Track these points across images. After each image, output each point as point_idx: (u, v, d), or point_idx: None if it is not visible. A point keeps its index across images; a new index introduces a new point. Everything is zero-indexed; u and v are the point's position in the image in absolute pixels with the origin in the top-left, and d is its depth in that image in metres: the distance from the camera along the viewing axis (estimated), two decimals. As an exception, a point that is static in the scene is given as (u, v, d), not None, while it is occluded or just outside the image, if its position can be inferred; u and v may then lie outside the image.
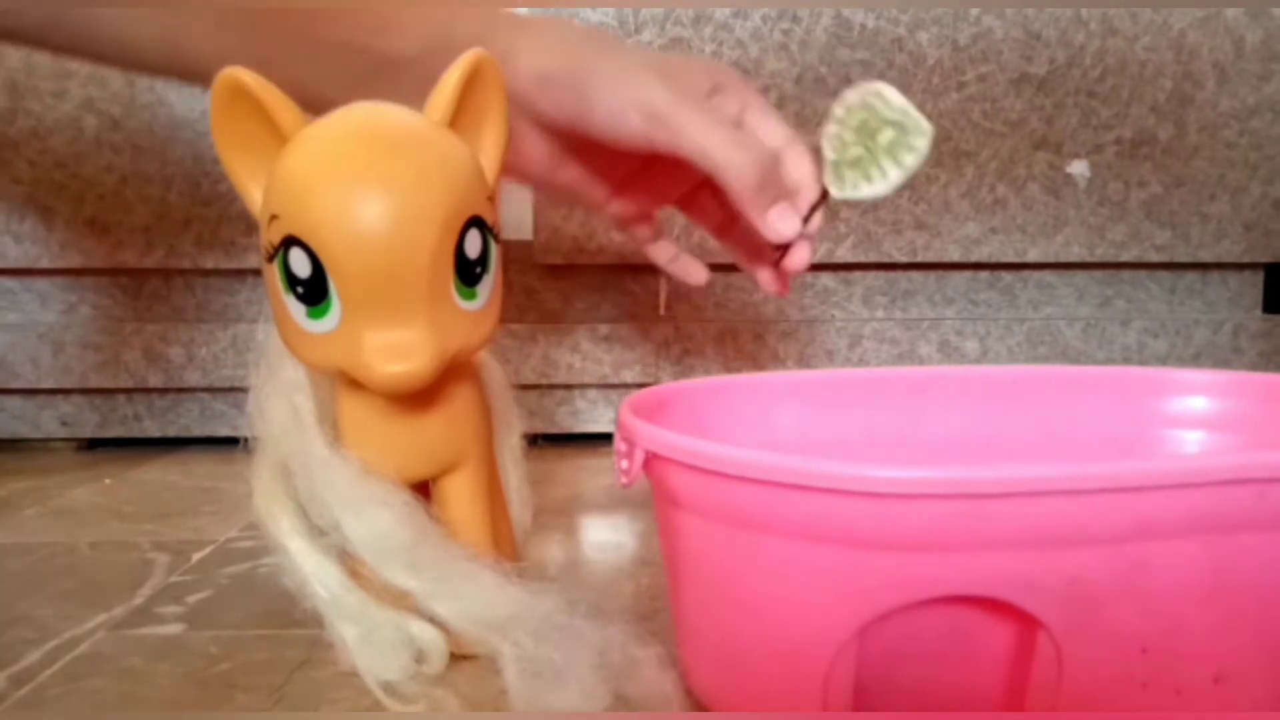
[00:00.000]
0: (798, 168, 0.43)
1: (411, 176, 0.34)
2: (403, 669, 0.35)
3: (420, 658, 0.35)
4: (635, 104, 0.41)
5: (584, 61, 0.42)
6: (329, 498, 0.35)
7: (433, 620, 0.35)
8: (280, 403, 0.37)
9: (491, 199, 0.38)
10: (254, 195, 0.36)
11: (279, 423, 0.37)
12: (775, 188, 0.41)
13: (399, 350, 0.34)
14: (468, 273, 0.36)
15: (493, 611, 0.34)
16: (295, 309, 0.35)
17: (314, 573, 0.35)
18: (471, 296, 0.36)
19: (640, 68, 0.41)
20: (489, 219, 0.37)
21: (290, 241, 0.34)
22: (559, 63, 0.42)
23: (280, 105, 0.35)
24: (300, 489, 0.36)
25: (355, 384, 0.36)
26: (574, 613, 0.34)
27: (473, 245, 0.36)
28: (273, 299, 0.36)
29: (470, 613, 0.34)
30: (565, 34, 0.44)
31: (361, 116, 0.36)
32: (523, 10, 0.69)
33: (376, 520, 0.35)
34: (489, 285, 0.37)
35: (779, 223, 0.41)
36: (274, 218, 0.35)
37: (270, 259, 0.35)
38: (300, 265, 0.34)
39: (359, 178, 0.33)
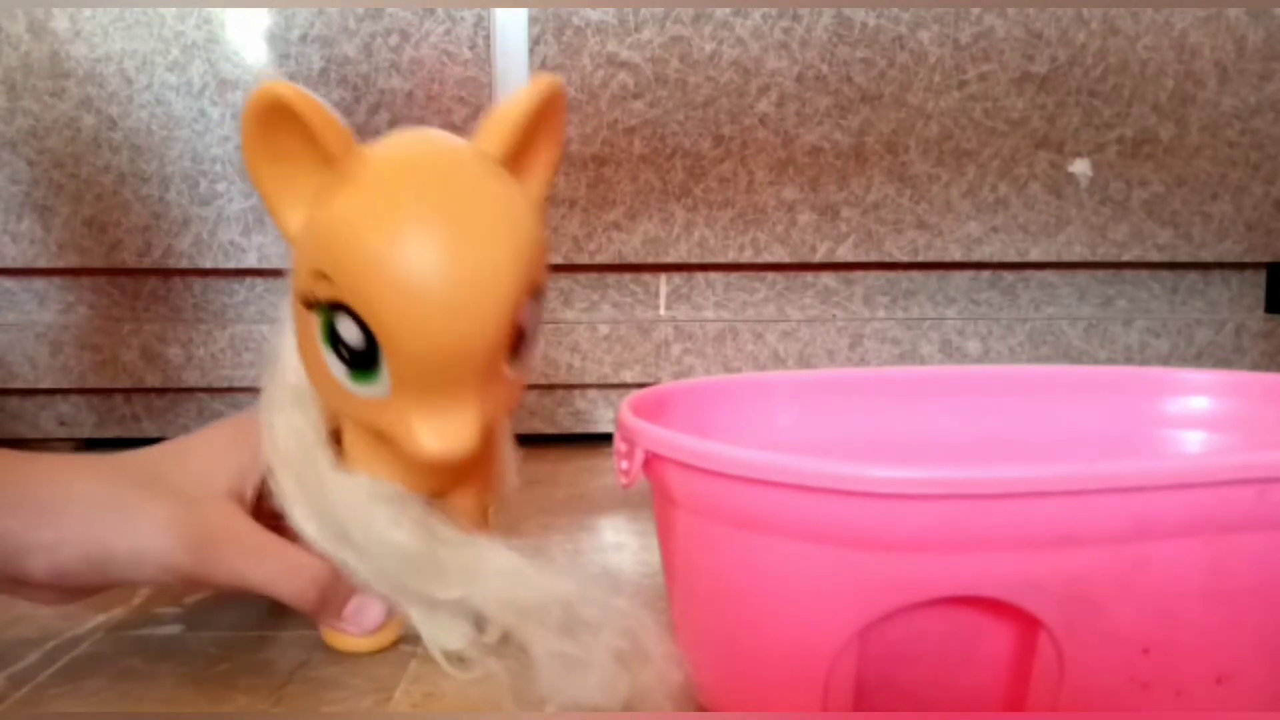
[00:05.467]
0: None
1: (485, 258, 0.31)
2: (464, 637, 0.36)
3: (480, 625, 0.36)
4: (163, 569, 0.34)
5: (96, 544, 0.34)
6: (343, 522, 0.35)
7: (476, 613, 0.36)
8: (284, 424, 0.36)
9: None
10: (288, 217, 0.33)
11: (285, 447, 0.36)
12: (340, 594, 0.37)
13: (448, 431, 0.32)
14: (519, 343, 0.34)
15: (520, 597, 0.35)
16: (335, 367, 0.33)
17: (370, 575, 0.36)
18: (516, 366, 0.35)
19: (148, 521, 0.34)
20: (544, 282, 0.35)
21: (340, 307, 0.32)
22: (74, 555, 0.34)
23: (327, 126, 0.32)
24: (314, 506, 0.36)
25: None
26: (594, 604, 0.35)
27: (527, 315, 0.34)
28: (305, 343, 0.34)
29: (501, 599, 0.36)
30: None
31: (423, 173, 0.32)
32: (520, 11, 0.69)
33: (392, 544, 0.35)
34: (530, 350, 0.36)
35: (355, 626, 0.38)
36: (322, 275, 0.32)
37: (309, 307, 0.33)
38: (351, 335, 0.32)
39: (429, 261, 0.30)
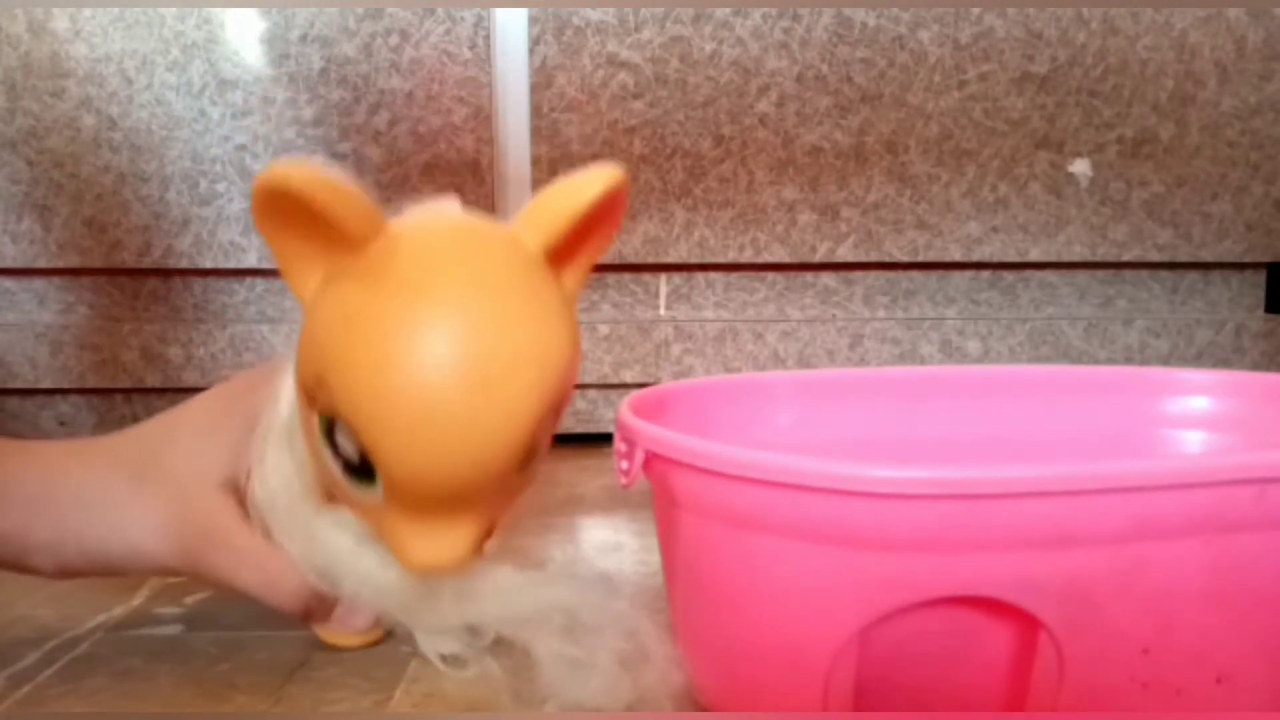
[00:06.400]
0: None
1: (505, 398, 0.28)
2: (458, 639, 0.36)
3: (474, 630, 0.36)
4: (158, 566, 0.35)
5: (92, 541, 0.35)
6: (332, 571, 0.35)
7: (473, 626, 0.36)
8: (273, 464, 0.35)
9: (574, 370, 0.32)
10: (302, 285, 0.30)
11: (273, 488, 0.35)
12: (325, 603, 0.37)
13: (439, 548, 0.31)
14: (530, 456, 0.31)
15: (520, 612, 0.35)
16: (332, 464, 0.31)
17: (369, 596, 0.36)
18: (523, 472, 0.32)
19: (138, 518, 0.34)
20: (570, 394, 0.32)
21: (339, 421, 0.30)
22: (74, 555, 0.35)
23: (349, 210, 0.28)
24: (302, 549, 0.35)
25: None
26: (594, 608, 0.35)
27: (545, 429, 0.31)
28: (305, 425, 0.32)
29: (501, 616, 0.36)
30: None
31: (451, 280, 0.29)
32: (520, 11, 0.69)
33: (384, 584, 0.35)
34: (544, 451, 0.33)
35: (344, 627, 0.38)
36: (322, 383, 0.29)
37: (310, 403, 0.31)
38: (348, 447, 0.30)
39: (440, 401, 0.27)
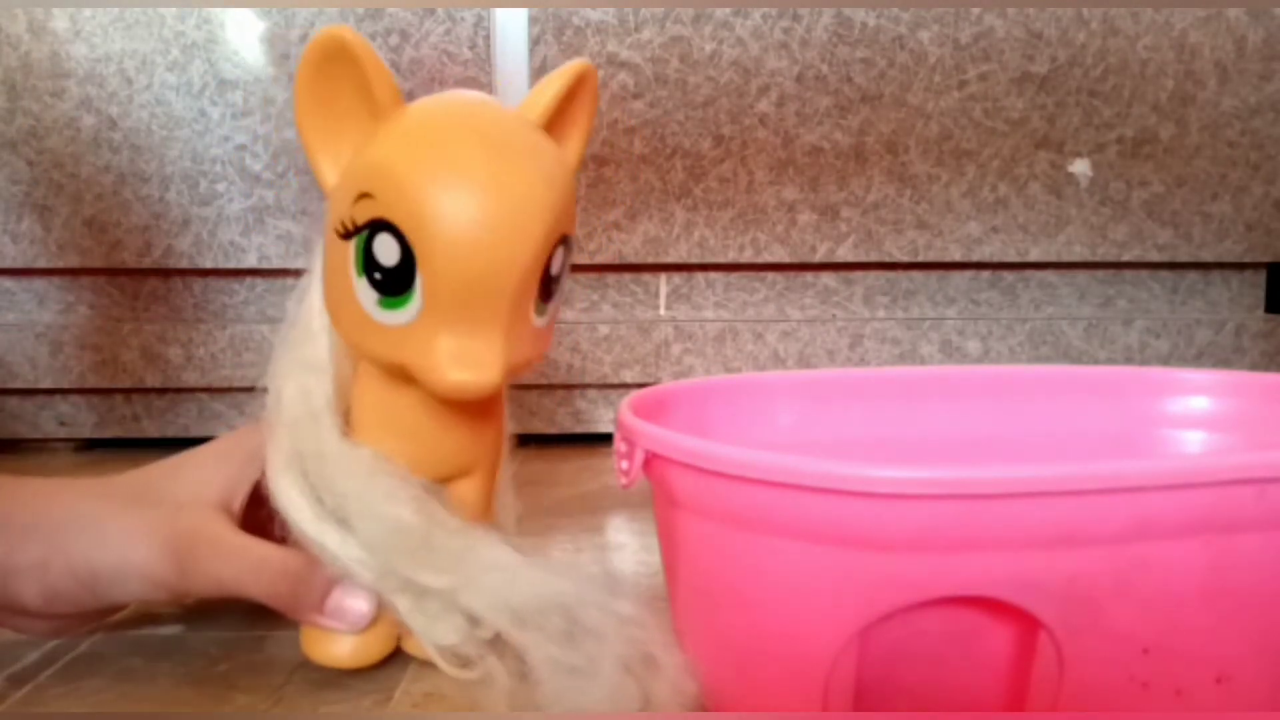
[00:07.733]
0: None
1: (524, 184, 0.33)
2: (458, 630, 0.35)
3: (475, 622, 0.35)
4: (148, 581, 0.35)
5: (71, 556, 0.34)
6: (340, 492, 0.34)
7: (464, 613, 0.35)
8: (294, 387, 0.36)
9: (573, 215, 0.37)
10: (325, 165, 0.35)
11: (291, 410, 0.35)
12: (314, 587, 0.35)
13: (472, 359, 0.33)
14: (547, 289, 0.35)
15: (517, 601, 0.34)
16: (365, 295, 0.33)
17: (354, 560, 0.34)
18: (543, 313, 0.35)
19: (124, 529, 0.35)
20: (573, 235, 0.36)
21: (380, 226, 0.33)
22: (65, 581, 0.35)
23: (381, 76, 0.33)
24: (312, 478, 0.35)
25: (382, 378, 0.35)
26: (595, 608, 0.34)
27: (557, 261, 0.35)
28: (334, 279, 0.34)
29: (495, 604, 0.34)
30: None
31: (469, 111, 0.35)
32: (520, 11, 0.69)
33: (388, 518, 0.34)
34: (557, 302, 0.36)
35: (340, 622, 0.36)
36: (364, 196, 0.33)
37: (345, 236, 0.33)
38: (387, 253, 0.33)
39: (474, 176, 0.32)
